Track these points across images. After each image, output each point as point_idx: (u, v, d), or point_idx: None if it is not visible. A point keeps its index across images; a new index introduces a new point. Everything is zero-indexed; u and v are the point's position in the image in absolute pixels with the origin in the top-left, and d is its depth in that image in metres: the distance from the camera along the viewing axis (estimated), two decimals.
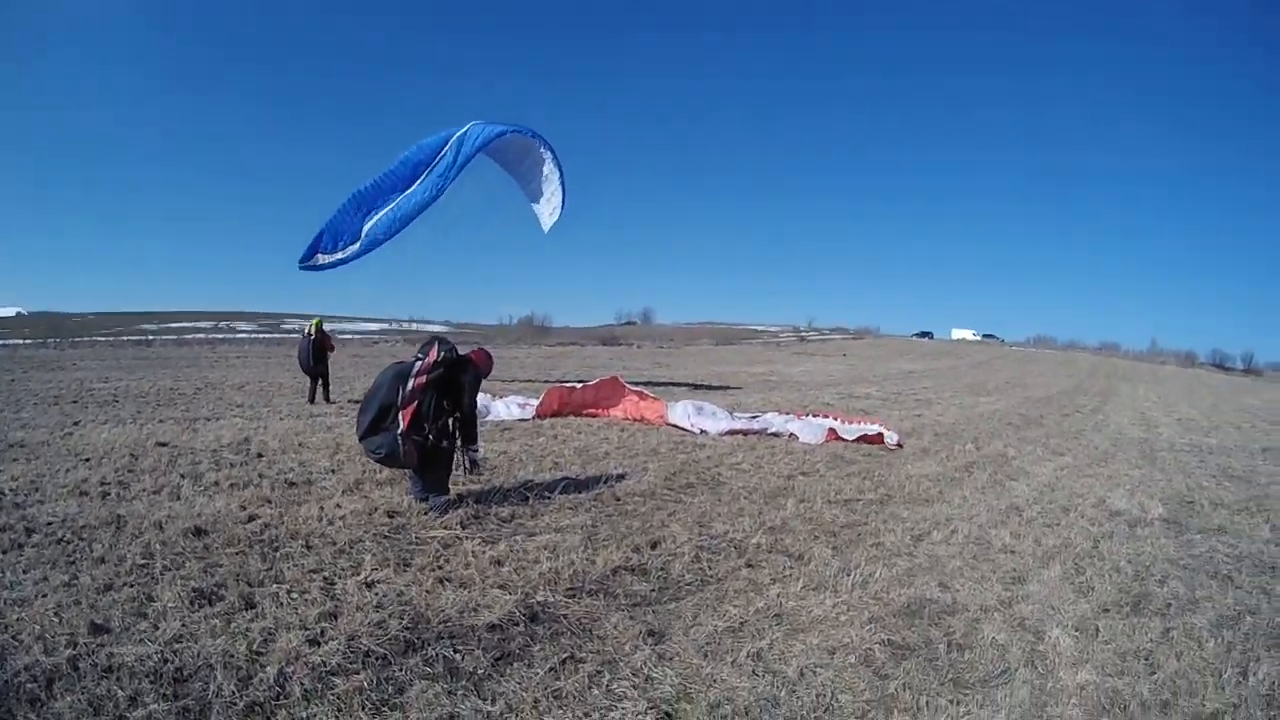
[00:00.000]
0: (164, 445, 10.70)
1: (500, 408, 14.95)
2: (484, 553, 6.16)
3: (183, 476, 8.67)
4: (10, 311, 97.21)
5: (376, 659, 4.25)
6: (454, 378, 7.25)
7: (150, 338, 56.16)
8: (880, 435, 13.24)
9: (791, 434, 13.43)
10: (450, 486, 7.62)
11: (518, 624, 4.83)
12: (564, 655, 4.44)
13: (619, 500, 8.26)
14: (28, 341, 46.10)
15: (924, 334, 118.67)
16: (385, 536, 6.53)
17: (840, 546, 6.93)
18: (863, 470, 10.72)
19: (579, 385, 16.05)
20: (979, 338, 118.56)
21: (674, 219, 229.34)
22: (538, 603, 5.18)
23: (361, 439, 7.03)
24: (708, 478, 9.72)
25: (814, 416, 15.54)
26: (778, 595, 5.55)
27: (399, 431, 6.84)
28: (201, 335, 63.14)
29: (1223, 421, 25.12)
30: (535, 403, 15.09)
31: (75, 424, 12.86)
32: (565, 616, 5.01)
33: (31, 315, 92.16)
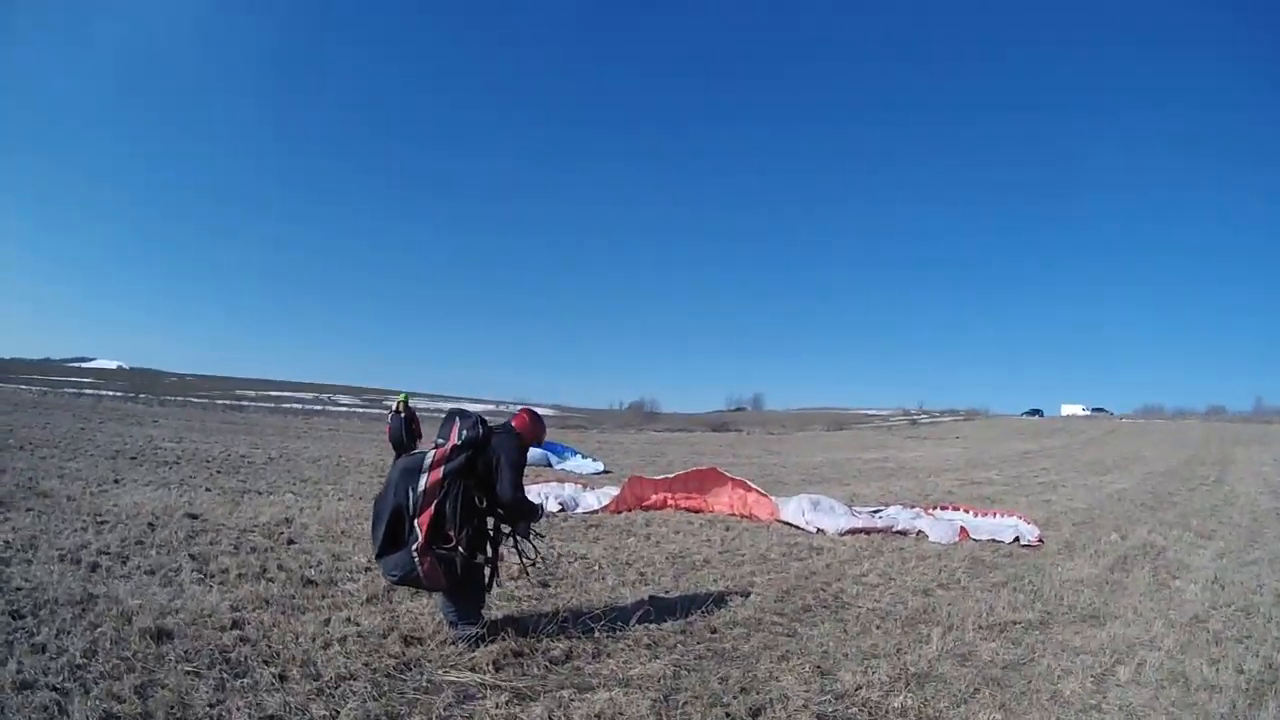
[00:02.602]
0: (193, 517, 9.80)
1: (593, 500, 13.61)
2: (511, 716, 4.53)
3: (191, 558, 7.63)
4: (112, 364, 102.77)
5: None
6: (485, 460, 5.68)
7: (245, 403, 57.67)
8: (1017, 537, 11.89)
9: (920, 532, 12.08)
10: (484, 611, 5.93)
11: None
12: None
13: (714, 633, 6.43)
14: (118, 394, 47.87)
15: (1034, 412, 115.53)
16: (389, 675, 4.95)
17: (1009, 704, 5.22)
18: (1010, 577, 9.33)
19: (669, 476, 14.68)
20: (1089, 412, 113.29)
21: (786, 303, 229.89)
22: None
23: (377, 558, 5.54)
24: (828, 597, 7.96)
25: (942, 510, 14.41)
26: None
27: (415, 546, 5.33)
28: (299, 405, 64.72)
29: None
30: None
31: (116, 481, 12.42)
32: None
33: (132, 370, 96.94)
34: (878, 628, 6.87)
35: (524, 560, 6.25)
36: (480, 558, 5.69)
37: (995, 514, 13.98)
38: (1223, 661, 6.29)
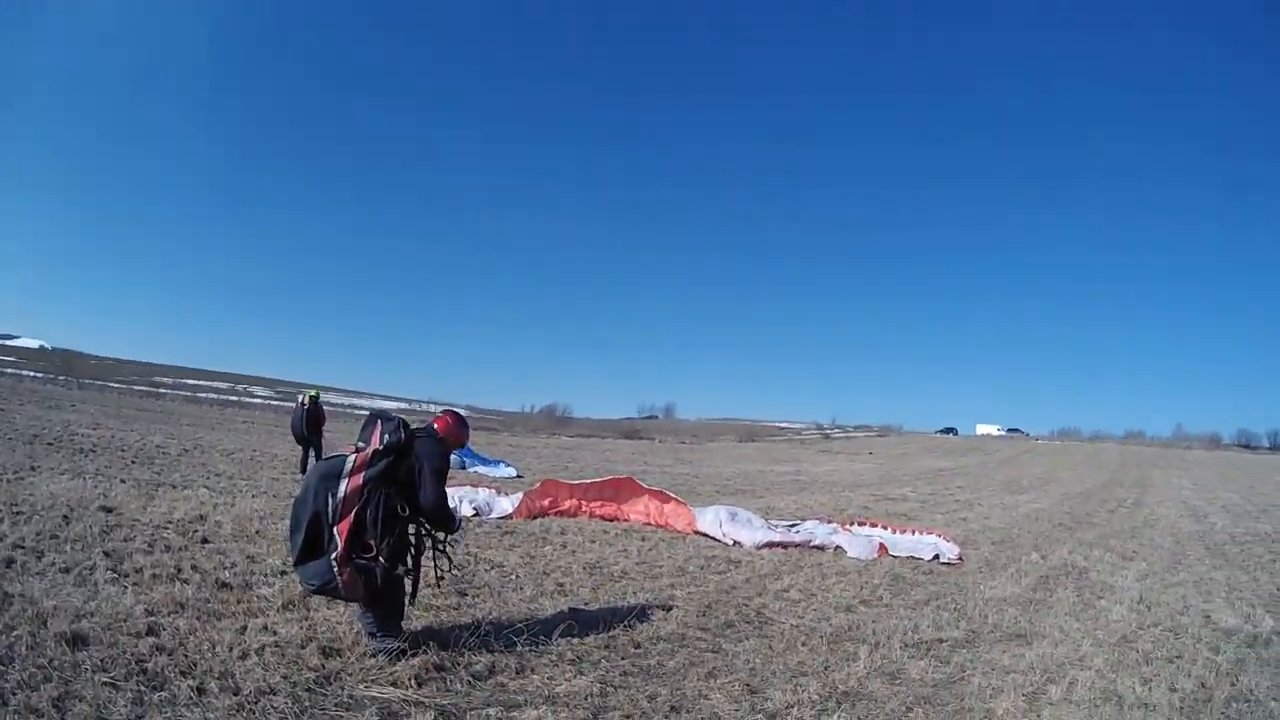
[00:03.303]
0: (108, 511, 9.58)
1: (507, 504, 13.52)
2: None
3: (105, 554, 7.45)
4: (34, 343, 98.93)
5: None
6: (408, 466, 5.51)
7: (161, 390, 56.25)
8: (936, 555, 12.08)
9: (838, 547, 12.24)
10: (403, 623, 5.84)
11: None
12: None
13: (638, 648, 6.46)
14: (38, 375, 46.26)
15: (948, 430, 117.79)
16: (309, 689, 4.88)
17: None
18: (933, 595, 9.47)
19: (585, 482, 14.89)
20: (1003, 432, 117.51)
21: (696, 312, 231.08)
22: None
23: (295, 565, 5.33)
24: (750, 612, 8.02)
25: (859, 526, 14.60)
26: None
27: (334, 555, 5.11)
28: (215, 395, 63.34)
29: (1267, 505, 26.61)
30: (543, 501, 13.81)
31: (33, 469, 12.12)
32: None
33: (54, 350, 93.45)
34: (803, 644, 6.93)
35: (438, 571, 6.12)
36: (401, 569, 5.53)
37: (914, 531, 14.11)
38: (1155, 680, 6.40)
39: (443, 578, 6.42)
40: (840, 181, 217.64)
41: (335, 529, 5.15)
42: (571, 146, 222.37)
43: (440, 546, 6.00)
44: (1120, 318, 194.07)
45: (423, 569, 5.91)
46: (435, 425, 6.00)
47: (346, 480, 5.22)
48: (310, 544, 5.18)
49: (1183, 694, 6.14)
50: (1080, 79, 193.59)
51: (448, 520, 5.77)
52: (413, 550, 5.72)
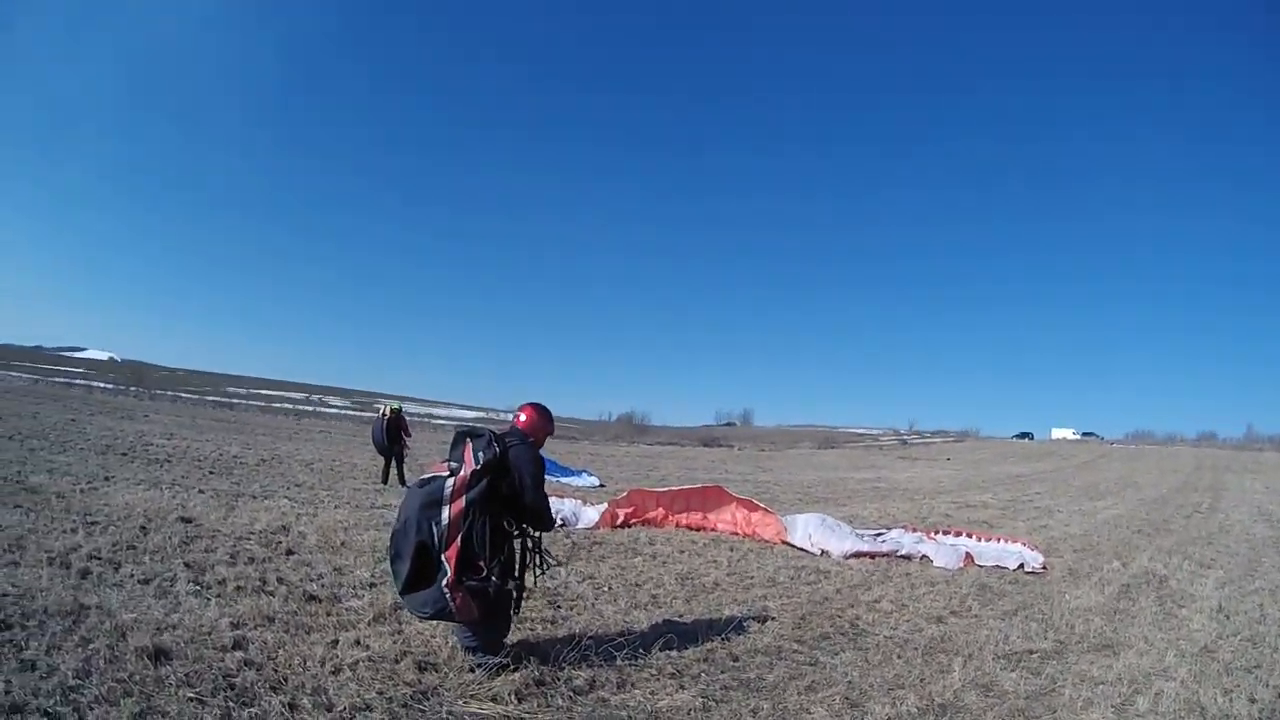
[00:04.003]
0: (187, 521, 9.51)
1: (594, 515, 13.28)
2: None
3: (186, 565, 7.30)
4: (103, 355, 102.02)
5: None
6: (508, 481, 5.36)
7: (235, 401, 57.25)
8: (1021, 564, 11.93)
9: (924, 556, 12.15)
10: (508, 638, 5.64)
11: None
12: None
13: (737, 661, 6.18)
14: (108, 386, 47.51)
15: (1024, 435, 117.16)
16: (405, 705, 4.63)
17: None
18: (1020, 605, 9.35)
19: (672, 489, 14.59)
20: (1079, 436, 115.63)
21: (776, 319, 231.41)
22: None
23: (403, 594, 5.20)
24: (844, 624, 7.78)
25: (944, 535, 14.31)
26: None
27: (445, 582, 4.97)
28: (289, 406, 64.24)
29: None
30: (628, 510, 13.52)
31: (108, 479, 12.17)
32: None
33: (124, 362, 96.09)
34: (898, 657, 6.71)
35: (540, 568, 5.92)
36: (511, 583, 5.42)
37: (999, 539, 13.94)
38: (1235, 691, 6.32)
39: (543, 573, 6.18)
40: (921, 184, 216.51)
41: (444, 556, 5.01)
42: (654, 153, 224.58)
43: (538, 546, 5.84)
44: (1193, 319, 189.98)
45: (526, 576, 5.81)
46: (520, 425, 5.82)
47: (449, 506, 5.07)
48: (418, 573, 5.04)
49: (1261, 704, 6.12)
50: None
51: (548, 520, 5.64)
52: (517, 561, 5.59)
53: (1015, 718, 5.47)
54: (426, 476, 5.32)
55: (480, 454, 5.19)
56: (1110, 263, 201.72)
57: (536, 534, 5.78)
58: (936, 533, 14.48)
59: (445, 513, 5.04)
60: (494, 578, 5.14)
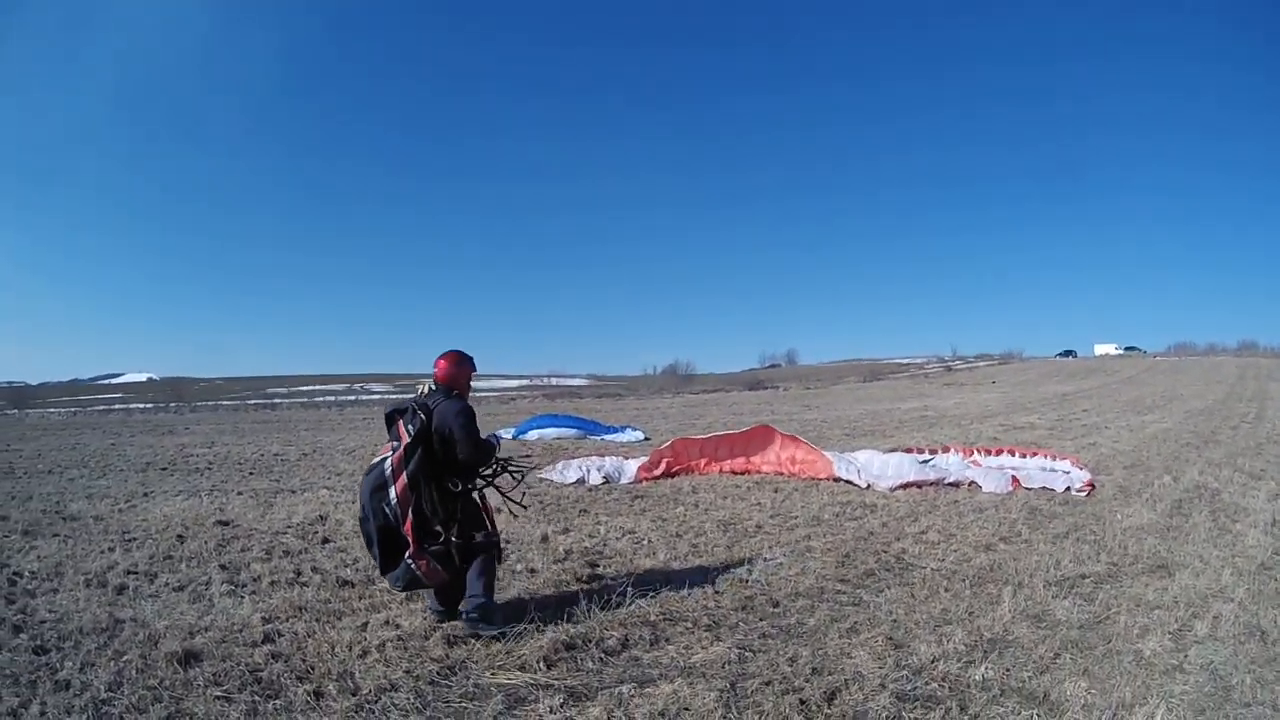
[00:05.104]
0: (224, 524, 9.60)
1: (634, 468, 13.39)
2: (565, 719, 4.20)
3: (222, 568, 7.36)
4: (142, 377, 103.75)
5: None
6: (442, 441, 5.43)
7: (276, 401, 57.91)
8: (1068, 487, 11.70)
9: (972, 482, 12.03)
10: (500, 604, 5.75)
11: None
12: None
13: (777, 606, 6.07)
14: (147, 406, 48.23)
15: (1067, 353, 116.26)
16: (432, 682, 4.62)
17: (1093, 669, 4.85)
18: (1071, 527, 9.10)
19: (715, 435, 14.68)
20: (1122, 351, 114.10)
21: (814, 256, 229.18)
22: None
23: (382, 574, 5.56)
24: (890, 559, 7.62)
25: (991, 454, 14.61)
26: None
27: (408, 555, 5.23)
28: (332, 398, 64.83)
29: None
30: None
31: (145, 495, 12.30)
32: None
33: (162, 380, 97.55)
34: (946, 590, 6.55)
35: (508, 498, 6.22)
36: (479, 536, 5.55)
37: (1046, 455, 14.07)
38: None
39: (522, 501, 6.38)
40: (956, 104, 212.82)
41: (403, 531, 5.23)
42: (680, 103, 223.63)
43: (511, 471, 6.07)
44: (1229, 229, 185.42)
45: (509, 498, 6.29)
46: (439, 379, 5.72)
47: (393, 486, 5.25)
48: (389, 554, 5.35)
49: None
50: None
51: (488, 454, 5.71)
52: (484, 513, 5.75)
53: (1068, 650, 5.23)
54: (374, 461, 5.50)
55: (410, 426, 5.33)
56: (1144, 177, 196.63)
57: (488, 474, 5.86)
58: (980, 451, 14.81)
59: (392, 493, 5.22)
60: (454, 538, 5.35)
